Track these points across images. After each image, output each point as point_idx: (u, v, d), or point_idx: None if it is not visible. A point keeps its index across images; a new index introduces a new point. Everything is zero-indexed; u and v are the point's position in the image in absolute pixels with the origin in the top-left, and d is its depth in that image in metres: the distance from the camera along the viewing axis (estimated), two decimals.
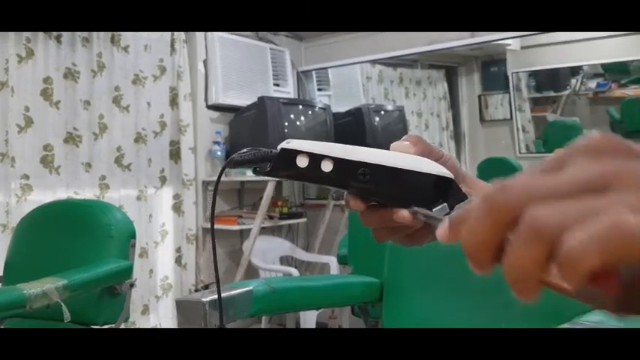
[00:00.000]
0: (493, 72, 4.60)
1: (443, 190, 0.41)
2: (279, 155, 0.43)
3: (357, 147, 0.42)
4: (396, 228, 0.43)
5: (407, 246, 0.45)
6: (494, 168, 3.63)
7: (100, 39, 2.76)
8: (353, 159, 0.41)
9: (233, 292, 1.16)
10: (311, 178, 0.43)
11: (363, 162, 0.41)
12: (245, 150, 0.45)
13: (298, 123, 3.23)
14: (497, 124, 4.62)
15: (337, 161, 0.41)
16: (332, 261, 3.21)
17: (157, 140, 2.99)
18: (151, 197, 2.96)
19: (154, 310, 2.96)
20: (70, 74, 2.67)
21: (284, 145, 0.43)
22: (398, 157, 0.42)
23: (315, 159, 0.42)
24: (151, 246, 2.95)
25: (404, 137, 0.44)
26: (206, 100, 3.18)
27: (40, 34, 2.56)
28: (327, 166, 0.42)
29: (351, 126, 3.53)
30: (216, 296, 1.12)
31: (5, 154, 2.44)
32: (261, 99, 3.07)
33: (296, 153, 0.43)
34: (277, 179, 0.45)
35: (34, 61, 2.54)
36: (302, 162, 0.42)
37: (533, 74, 4.36)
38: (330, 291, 1.48)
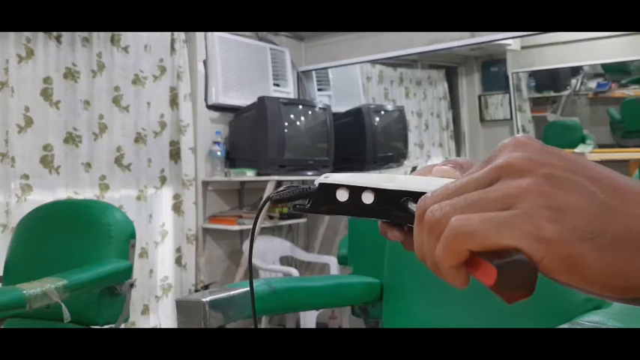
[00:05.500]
0: (493, 72, 4.61)
1: None
2: (318, 191, 0.43)
3: (394, 175, 0.41)
4: None
5: None
6: None
7: (100, 39, 2.76)
8: (395, 188, 0.40)
9: (233, 292, 1.16)
10: (352, 211, 0.42)
11: (406, 190, 0.40)
12: (282, 188, 0.45)
13: (298, 123, 3.23)
14: (497, 124, 4.62)
15: (379, 192, 0.41)
16: (332, 261, 3.21)
17: (156, 140, 2.99)
18: (151, 197, 2.96)
19: (154, 310, 2.96)
20: (70, 74, 2.67)
21: (322, 180, 0.42)
22: (439, 182, 0.41)
23: (356, 192, 0.41)
24: (151, 246, 2.95)
25: (444, 161, 0.43)
26: (206, 100, 3.18)
27: (40, 34, 2.56)
28: (368, 198, 0.41)
29: (351, 126, 3.53)
30: (216, 296, 1.12)
31: (5, 154, 2.44)
32: (261, 99, 3.07)
33: (335, 187, 0.42)
34: (318, 214, 0.44)
35: (34, 61, 2.54)
36: (342, 196, 0.42)
37: (533, 74, 4.36)
38: (330, 291, 1.48)
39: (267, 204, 0.46)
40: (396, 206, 0.40)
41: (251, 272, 0.49)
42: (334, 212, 0.43)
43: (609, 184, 0.29)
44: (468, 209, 0.30)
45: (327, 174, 0.43)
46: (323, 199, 0.42)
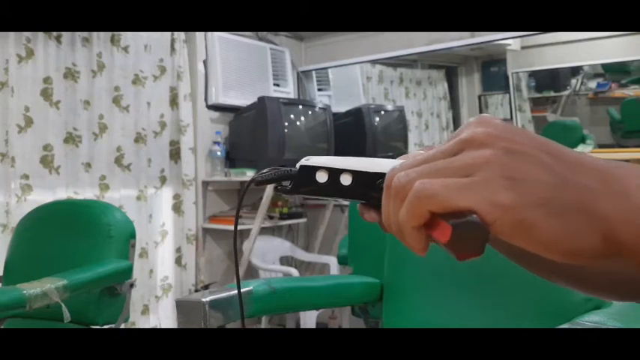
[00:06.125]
0: (493, 72, 4.60)
1: None
2: (299, 172, 0.45)
3: (373, 159, 0.43)
4: None
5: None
6: None
7: (100, 39, 2.76)
8: (372, 170, 0.42)
9: (233, 292, 1.16)
10: (331, 192, 0.44)
11: (382, 172, 0.41)
12: (266, 170, 0.47)
13: (298, 123, 3.23)
14: None
15: (356, 174, 0.43)
16: (332, 261, 3.21)
17: (156, 140, 2.99)
18: (151, 197, 2.96)
19: (154, 310, 2.96)
20: (70, 74, 2.67)
21: (303, 162, 0.45)
22: None
23: (335, 173, 0.43)
24: (151, 246, 2.95)
25: (420, 148, 0.45)
26: (206, 100, 3.18)
27: (40, 34, 2.56)
28: (346, 180, 0.43)
29: (351, 126, 3.53)
30: (216, 296, 1.12)
31: (5, 154, 2.44)
32: (261, 99, 3.07)
33: (315, 169, 0.44)
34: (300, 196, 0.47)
35: (34, 61, 2.54)
36: (322, 177, 0.44)
37: (533, 74, 4.36)
38: (330, 291, 1.48)
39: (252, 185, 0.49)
40: (372, 188, 0.42)
41: (236, 254, 0.49)
42: (314, 193, 0.45)
43: (565, 157, 0.31)
44: (432, 175, 0.32)
45: (308, 157, 0.45)
46: (304, 180, 0.44)
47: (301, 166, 0.45)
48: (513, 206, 0.30)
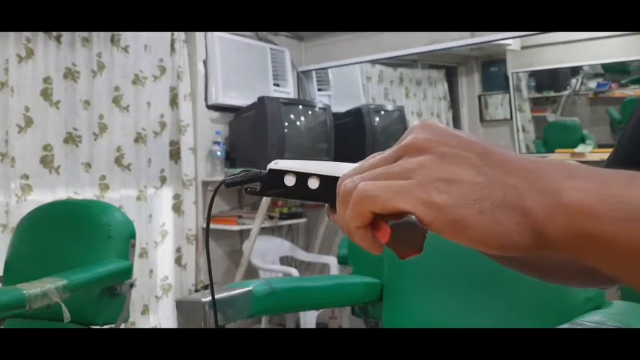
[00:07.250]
0: (493, 72, 4.60)
1: None
2: (268, 175, 0.46)
3: (340, 163, 0.44)
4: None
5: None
6: None
7: (100, 39, 2.76)
8: (338, 175, 0.43)
9: (232, 293, 1.16)
10: (299, 195, 0.46)
11: None
12: (237, 172, 0.48)
13: (298, 123, 3.22)
14: (497, 124, 4.62)
15: (323, 178, 0.44)
16: (332, 261, 3.21)
17: (156, 140, 2.99)
18: (150, 197, 2.96)
19: (154, 310, 2.96)
20: (70, 74, 2.67)
21: (272, 165, 0.46)
22: None
23: (302, 177, 0.45)
24: (150, 246, 2.94)
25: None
26: (206, 100, 3.18)
27: (40, 34, 2.56)
28: (313, 184, 0.45)
29: (351, 126, 3.53)
30: (216, 296, 1.12)
31: (5, 154, 2.44)
32: (261, 99, 3.06)
33: (284, 173, 0.45)
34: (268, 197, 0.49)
35: (34, 61, 2.54)
36: (289, 181, 0.45)
37: (533, 74, 4.36)
38: (330, 291, 1.48)
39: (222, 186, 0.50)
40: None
41: (208, 251, 0.49)
42: (282, 195, 0.46)
43: (495, 158, 0.33)
44: (374, 180, 0.35)
45: (277, 160, 0.46)
46: (272, 183, 0.46)
47: (270, 170, 0.46)
48: (447, 206, 0.32)
